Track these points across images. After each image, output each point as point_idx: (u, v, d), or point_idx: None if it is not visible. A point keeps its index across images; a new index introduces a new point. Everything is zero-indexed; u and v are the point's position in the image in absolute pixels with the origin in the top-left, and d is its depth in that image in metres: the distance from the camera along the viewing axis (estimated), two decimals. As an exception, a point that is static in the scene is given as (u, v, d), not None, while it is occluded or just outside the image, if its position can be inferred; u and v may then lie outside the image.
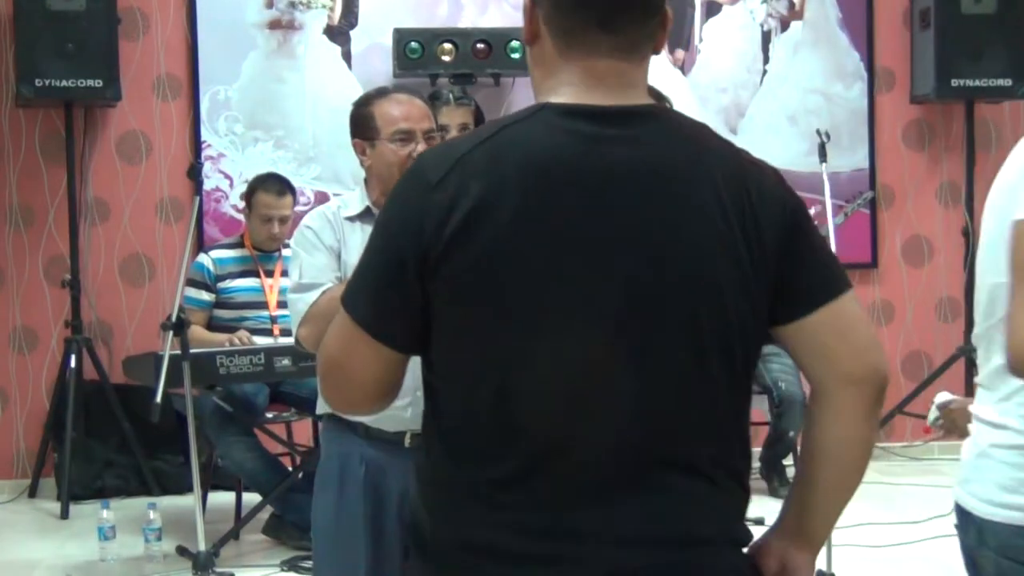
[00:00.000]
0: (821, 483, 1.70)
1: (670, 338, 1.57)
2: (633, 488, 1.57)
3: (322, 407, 2.99)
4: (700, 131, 1.67)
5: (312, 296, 2.85)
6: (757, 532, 1.73)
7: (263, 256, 5.45)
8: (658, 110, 1.66)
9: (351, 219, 2.96)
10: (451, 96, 3.80)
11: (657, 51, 1.70)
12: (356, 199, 3.00)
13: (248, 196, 5.50)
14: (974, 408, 2.08)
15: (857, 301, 1.71)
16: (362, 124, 3.00)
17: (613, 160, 1.58)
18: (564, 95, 1.63)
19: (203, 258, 5.45)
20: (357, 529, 2.86)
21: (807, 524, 1.73)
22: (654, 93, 2.64)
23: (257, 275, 5.39)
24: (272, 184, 5.49)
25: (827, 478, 1.70)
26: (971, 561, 2.05)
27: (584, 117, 1.60)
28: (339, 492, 2.90)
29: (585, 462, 1.57)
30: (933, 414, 2.55)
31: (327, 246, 2.93)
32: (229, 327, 5.26)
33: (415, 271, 1.57)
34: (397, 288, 1.59)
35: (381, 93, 3.07)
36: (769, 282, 1.62)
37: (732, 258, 1.58)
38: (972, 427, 2.09)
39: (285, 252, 5.28)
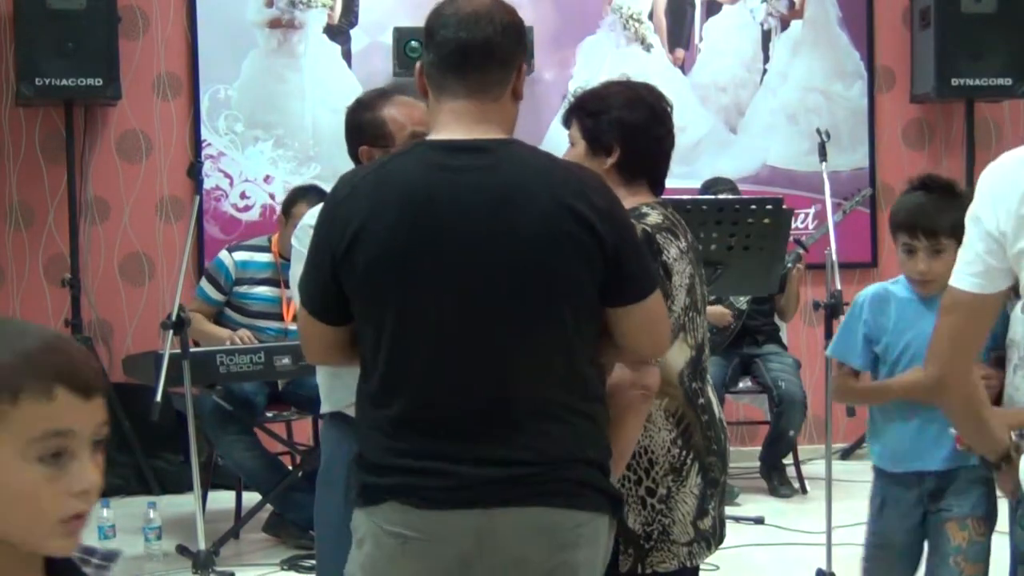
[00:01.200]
0: (618, 424, 2.26)
1: (511, 310, 2.07)
2: (494, 423, 2.09)
3: (326, 406, 2.99)
4: (539, 156, 2.16)
5: None
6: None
7: (287, 265, 5.34)
8: (504, 142, 2.14)
9: None
10: None
11: (517, 95, 2.19)
12: None
13: (288, 206, 5.29)
14: None
15: (660, 300, 2.24)
16: (372, 130, 2.96)
17: (461, 182, 2.09)
18: (437, 134, 2.17)
19: (225, 257, 5.30)
20: None
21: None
22: (656, 95, 2.63)
23: (278, 284, 5.26)
24: (314, 196, 5.34)
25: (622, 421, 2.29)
26: None
27: (443, 150, 2.13)
28: (347, 491, 2.90)
29: (452, 406, 2.09)
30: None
31: None
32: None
33: (330, 266, 2.13)
34: (322, 279, 2.16)
35: (384, 95, 3.03)
36: (599, 266, 2.09)
37: (564, 247, 2.06)
38: None
39: None
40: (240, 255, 5.31)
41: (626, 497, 2.45)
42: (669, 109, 2.63)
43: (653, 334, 2.23)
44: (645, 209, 2.54)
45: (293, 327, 5.17)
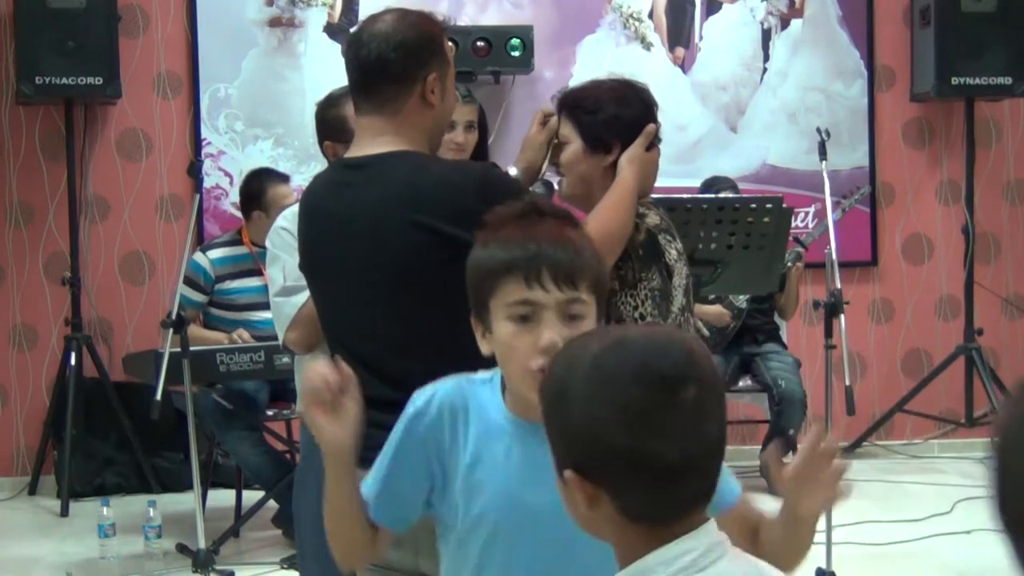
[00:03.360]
0: None
1: (385, 294, 2.32)
2: (383, 381, 2.27)
3: (301, 405, 2.98)
4: (408, 172, 2.33)
5: (299, 299, 2.85)
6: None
7: (263, 253, 5.32)
8: (385, 157, 2.33)
9: None
10: (458, 94, 3.65)
11: (428, 103, 2.37)
12: None
13: (259, 195, 5.27)
14: None
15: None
16: (336, 126, 3.00)
17: (344, 198, 2.37)
18: (350, 149, 2.43)
19: (200, 258, 5.28)
20: None
21: None
22: (645, 90, 2.63)
23: (260, 274, 5.22)
24: (277, 177, 5.38)
25: None
26: None
27: (342, 168, 2.44)
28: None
29: (368, 367, 2.27)
30: None
31: None
32: (233, 329, 5.18)
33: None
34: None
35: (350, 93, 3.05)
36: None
37: (421, 258, 2.27)
38: None
39: None
40: (214, 253, 5.30)
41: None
42: (656, 106, 2.64)
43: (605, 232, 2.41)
44: (643, 210, 2.54)
45: None
